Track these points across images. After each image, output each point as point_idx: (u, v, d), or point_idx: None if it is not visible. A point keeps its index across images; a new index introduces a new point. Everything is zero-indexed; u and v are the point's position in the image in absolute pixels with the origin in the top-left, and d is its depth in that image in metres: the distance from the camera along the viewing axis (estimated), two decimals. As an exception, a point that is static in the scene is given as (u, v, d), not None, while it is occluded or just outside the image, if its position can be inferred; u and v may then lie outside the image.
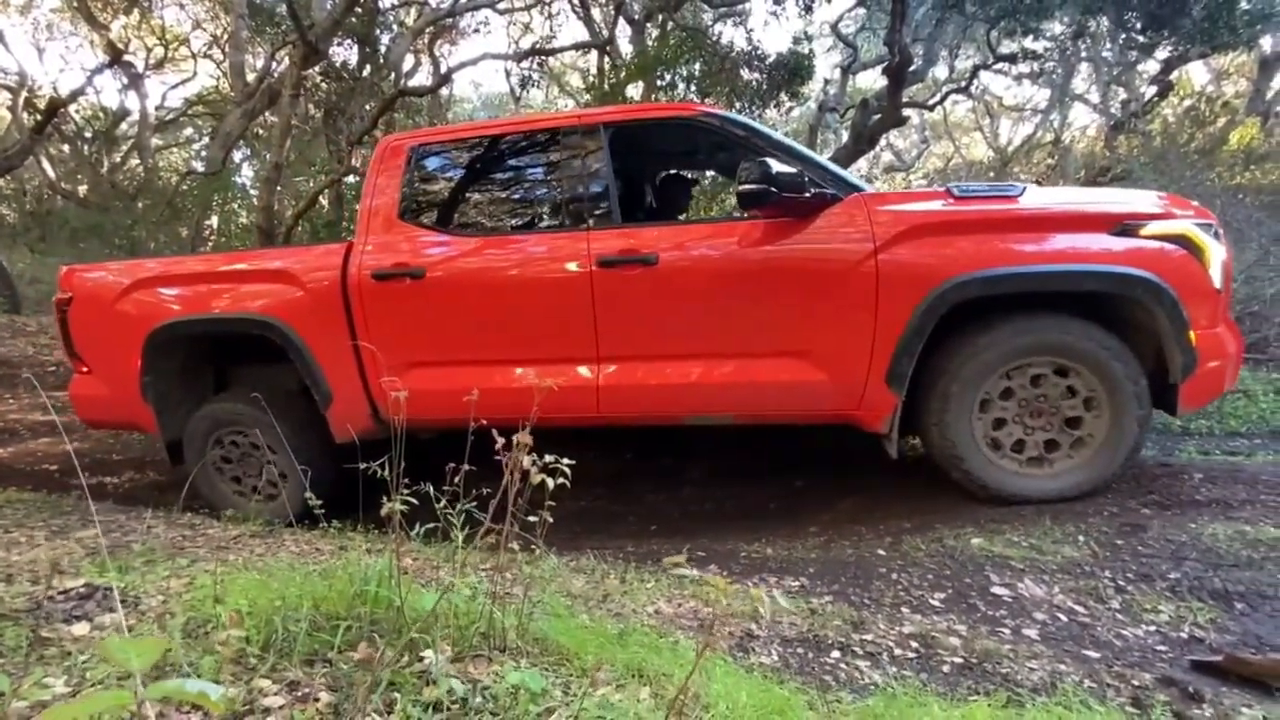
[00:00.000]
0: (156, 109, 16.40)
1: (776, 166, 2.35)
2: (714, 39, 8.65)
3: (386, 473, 1.37)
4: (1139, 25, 7.74)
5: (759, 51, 6.55)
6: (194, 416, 3.17)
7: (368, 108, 9.96)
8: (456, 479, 1.35)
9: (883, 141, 19.08)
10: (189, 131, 18.33)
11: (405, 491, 1.39)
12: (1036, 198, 2.50)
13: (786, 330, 2.55)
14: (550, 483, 1.30)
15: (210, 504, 3.14)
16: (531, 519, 1.43)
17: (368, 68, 10.67)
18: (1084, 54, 12.81)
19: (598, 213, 2.74)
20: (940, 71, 14.57)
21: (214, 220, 13.47)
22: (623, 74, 8.15)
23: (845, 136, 10.99)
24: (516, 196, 3.03)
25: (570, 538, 3.35)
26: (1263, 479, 2.51)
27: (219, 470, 3.20)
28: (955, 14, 8.11)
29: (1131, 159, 7.79)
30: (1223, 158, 9.70)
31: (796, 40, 7.40)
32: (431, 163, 3.05)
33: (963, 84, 11.83)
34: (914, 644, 1.68)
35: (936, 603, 1.88)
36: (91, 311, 3.18)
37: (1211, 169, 7.10)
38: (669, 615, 1.85)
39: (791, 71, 6.67)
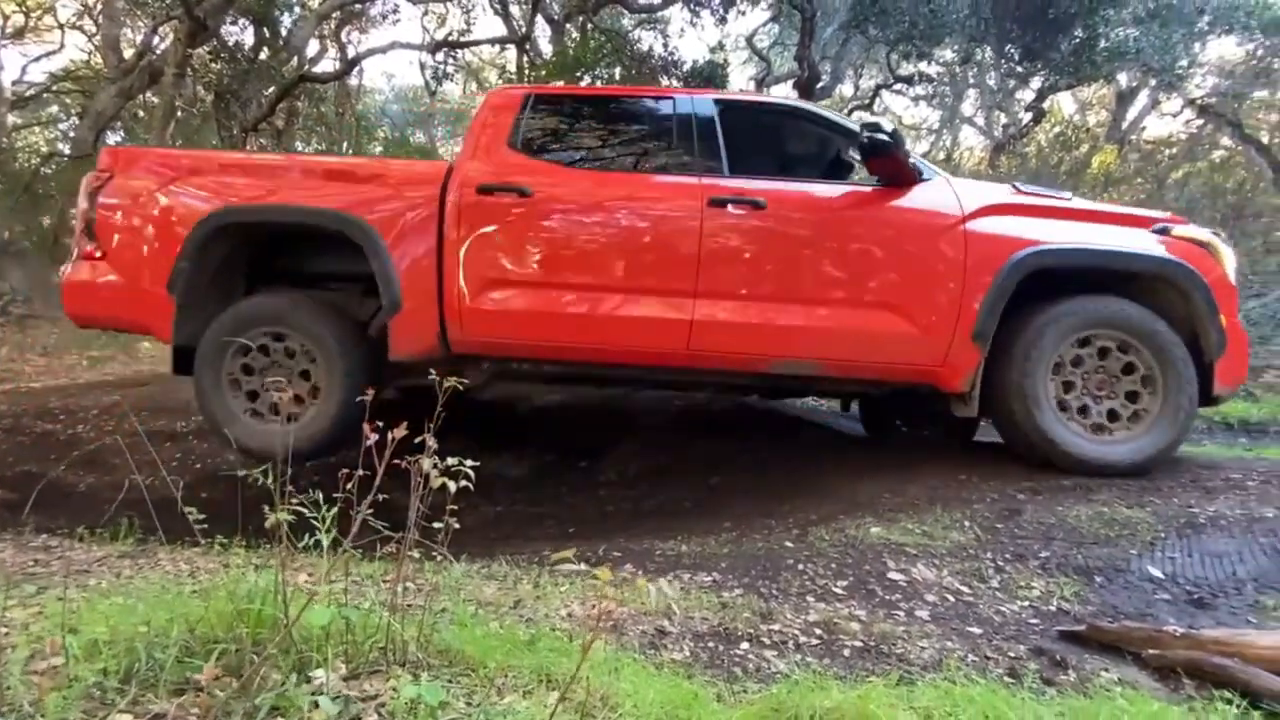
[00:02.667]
0: (14, 83, 14.57)
1: (892, 131, 2.62)
2: (633, 44, 8.72)
3: (271, 481, 1.27)
4: (1017, 56, 8.51)
5: (675, 58, 6.66)
6: (221, 316, 2.89)
7: (266, 93, 9.31)
8: (349, 484, 1.27)
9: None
10: (54, 109, 16.40)
11: (296, 500, 1.29)
12: (1083, 201, 2.99)
13: (881, 284, 2.73)
14: (452, 486, 1.25)
15: (213, 424, 2.91)
16: (437, 525, 1.37)
17: (265, 50, 9.97)
18: (971, 80, 13.95)
19: (709, 165, 2.88)
20: (848, 89, 15.42)
21: (83, 209, 12.11)
22: (542, 73, 8.05)
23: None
24: (627, 144, 3.14)
25: (486, 544, 3.25)
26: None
27: (235, 384, 2.93)
28: (859, 35, 8.59)
29: (1011, 178, 8.56)
30: (1087, 179, 10.85)
31: (712, 49, 7.59)
32: (545, 108, 3.09)
33: (866, 101, 12.54)
34: (818, 631, 1.74)
35: (839, 590, 1.96)
36: (132, 191, 2.95)
37: (1077, 190, 7.92)
38: (582, 618, 1.82)
39: (706, 79, 6.83)
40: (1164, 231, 2.79)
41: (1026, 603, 1.87)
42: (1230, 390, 2.78)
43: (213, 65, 9.24)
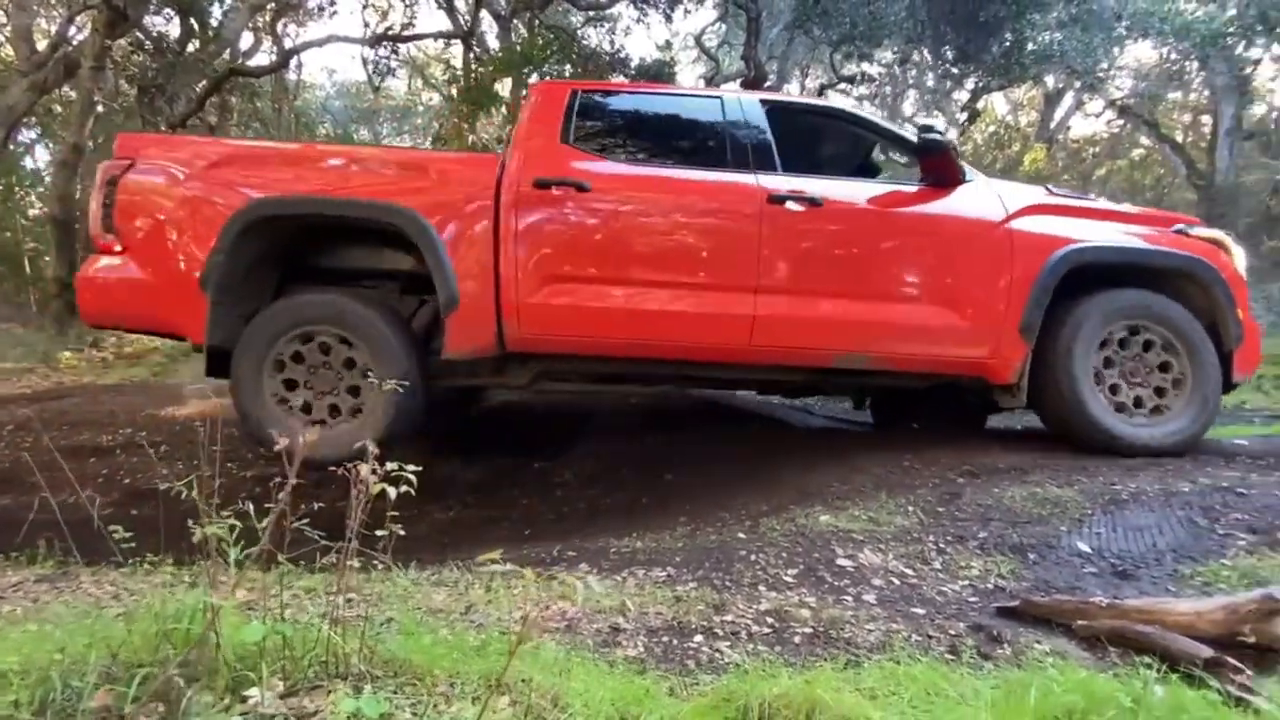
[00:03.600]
0: (-92, 74, 13.42)
1: (945, 132, 2.80)
2: (582, 41, 8.68)
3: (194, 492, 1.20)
4: (951, 58, 8.86)
5: (622, 55, 6.66)
6: (267, 314, 2.72)
7: (197, 87, 8.86)
8: (281, 495, 1.22)
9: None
10: (-44, 104, 15.21)
11: (228, 513, 1.23)
12: (1107, 202, 3.27)
13: (934, 279, 2.84)
14: (392, 493, 1.21)
15: (255, 429, 2.70)
16: (381, 533, 1.33)
17: (195, 42, 9.49)
18: (911, 80, 14.44)
19: (763, 162, 2.90)
20: (794, 88, 15.72)
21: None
22: (489, 69, 7.93)
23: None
24: (677, 141, 3.14)
25: (439, 549, 3.17)
26: (1049, 448, 2.96)
27: (278, 385, 2.76)
28: (803, 35, 8.77)
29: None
30: (1019, 176, 11.37)
31: (660, 48, 7.62)
32: (594, 103, 3.06)
33: (812, 100, 12.83)
34: (770, 620, 1.77)
35: (790, 579, 2.00)
36: (158, 182, 2.76)
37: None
38: (535, 619, 1.80)
39: (654, 77, 6.86)
40: (1183, 231, 3.02)
41: (966, 582, 1.94)
42: (1245, 378, 3.00)
43: (134, 57, 8.73)
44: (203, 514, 1.16)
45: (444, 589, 2.03)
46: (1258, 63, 10.60)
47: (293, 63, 13.41)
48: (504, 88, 9.36)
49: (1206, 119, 13.15)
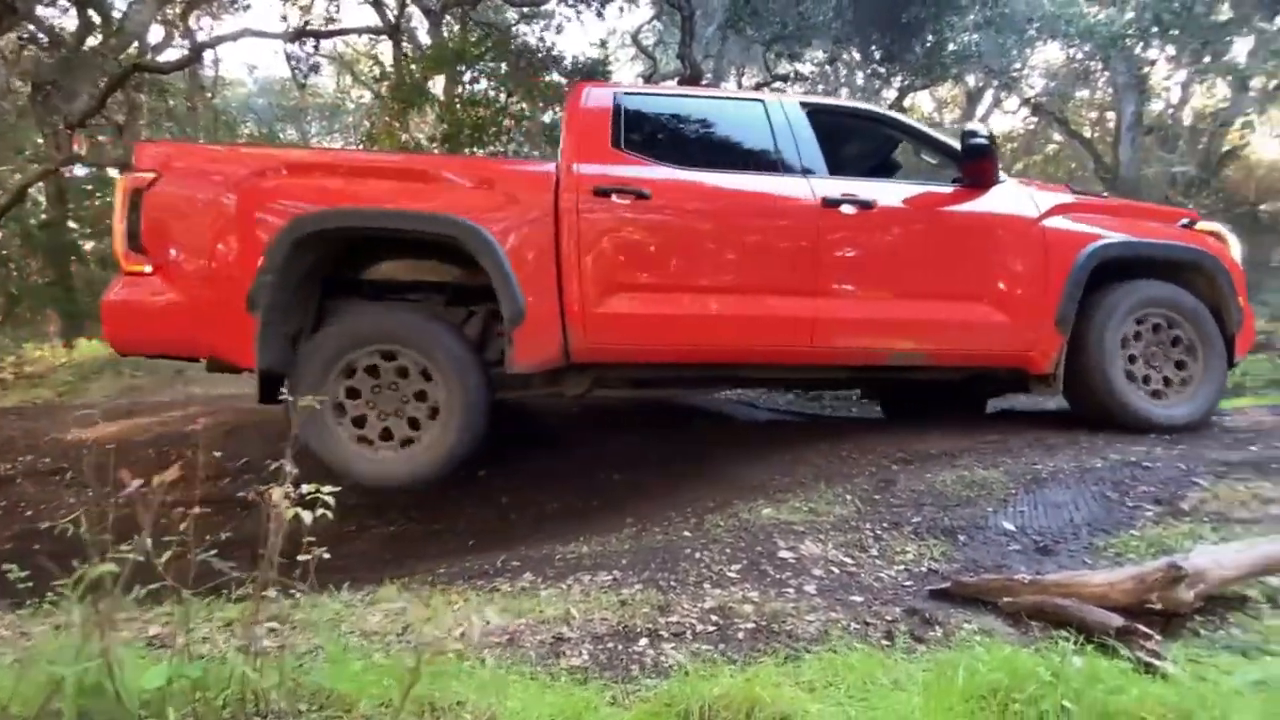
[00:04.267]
0: None
1: (990, 136, 2.98)
2: (515, 38, 8.53)
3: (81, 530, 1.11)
4: (878, 57, 9.18)
5: (555, 53, 6.61)
6: (328, 334, 2.61)
7: (100, 84, 8.22)
8: (185, 525, 1.14)
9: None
10: None
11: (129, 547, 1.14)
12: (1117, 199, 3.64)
13: (980, 277, 2.98)
14: (307, 517, 1.14)
15: (319, 455, 2.55)
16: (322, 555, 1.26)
17: (98, 36, 8.83)
18: (842, 79, 14.85)
19: (811, 165, 2.96)
20: (731, 86, 15.94)
21: None
22: (420, 66, 7.71)
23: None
24: (726, 145, 3.13)
25: (378, 567, 3.06)
26: (978, 431, 3.10)
27: (339, 408, 2.64)
28: (736, 35, 8.89)
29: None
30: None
31: (595, 44, 7.58)
32: (640, 108, 3.05)
33: (749, 98, 13.04)
34: (714, 617, 1.77)
35: (733, 574, 2.01)
36: (191, 195, 2.61)
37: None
38: (479, 635, 1.75)
39: (587, 75, 6.83)
40: (1188, 225, 3.27)
41: (902, 567, 2.00)
42: (1242, 357, 3.28)
43: (25, 53, 8.05)
44: (95, 548, 1.06)
45: (380, 610, 1.95)
46: (1154, 63, 11.41)
47: (209, 58, 12.68)
48: (436, 85, 9.12)
49: (1111, 115, 14.08)
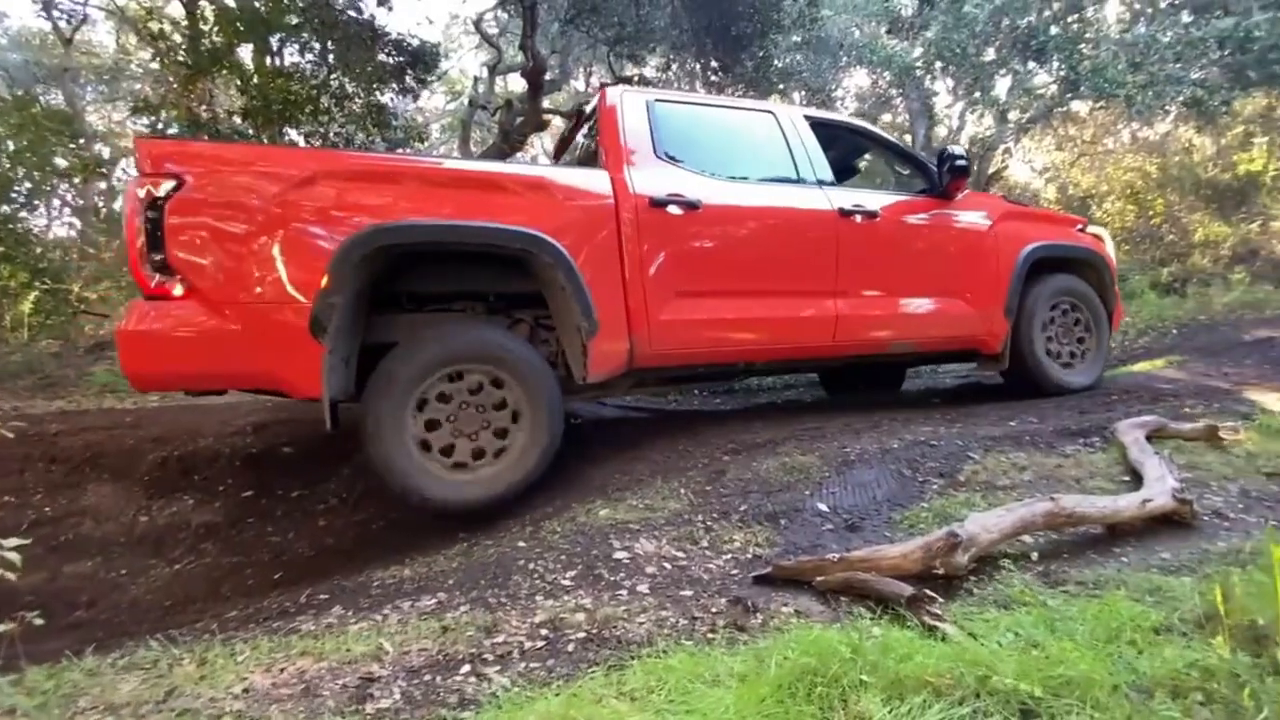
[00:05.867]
0: None
1: (966, 155, 3.52)
2: (338, 12, 7.74)
3: None
4: (715, 67, 9.64)
5: (380, 29, 6.09)
6: (414, 353, 2.50)
7: None
8: None
9: (538, 145, 20.00)
10: None
11: None
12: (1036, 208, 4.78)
13: (954, 275, 3.55)
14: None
15: (396, 479, 2.48)
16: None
17: None
18: (685, 86, 15.48)
19: (823, 176, 3.34)
20: (580, 85, 15.90)
21: None
22: (217, 29, 6.69)
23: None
24: (749, 154, 3.32)
25: (158, 616, 2.61)
26: (798, 421, 3.32)
27: (422, 437, 2.53)
28: (577, 32, 8.86)
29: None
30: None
31: (420, 24, 7.05)
32: (671, 116, 3.15)
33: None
34: (544, 631, 1.69)
35: (568, 582, 1.94)
36: (227, 204, 2.33)
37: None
38: (264, 689, 1.50)
39: (415, 56, 6.38)
40: (1083, 230, 4.09)
41: (729, 555, 2.05)
42: (1116, 330, 4.22)
43: None
44: None
45: (138, 672, 1.61)
46: (938, 94, 13.26)
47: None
48: (246, 54, 8.01)
49: (909, 137, 16.17)
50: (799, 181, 3.30)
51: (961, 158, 3.53)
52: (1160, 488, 2.13)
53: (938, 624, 1.50)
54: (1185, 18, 9.74)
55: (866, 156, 4.71)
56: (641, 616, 1.71)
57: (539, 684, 1.41)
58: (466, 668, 1.55)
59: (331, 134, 6.30)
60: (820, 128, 3.55)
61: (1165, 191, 10.56)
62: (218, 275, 2.32)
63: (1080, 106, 11.54)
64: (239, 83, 6.05)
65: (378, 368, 2.51)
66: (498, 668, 1.55)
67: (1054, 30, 9.61)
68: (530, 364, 2.64)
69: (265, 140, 6.57)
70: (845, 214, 3.26)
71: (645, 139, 3.00)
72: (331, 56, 6.72)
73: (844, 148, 4.04)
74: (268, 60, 8.22)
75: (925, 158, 3.96)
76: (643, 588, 1.89)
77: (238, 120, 6.58)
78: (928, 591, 1.66)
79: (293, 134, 6.53)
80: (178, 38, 6.80)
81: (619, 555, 2.07)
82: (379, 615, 1.85)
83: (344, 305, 2.40)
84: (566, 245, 2.64)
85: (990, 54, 10.14)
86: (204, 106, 6.95)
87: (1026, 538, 1.98)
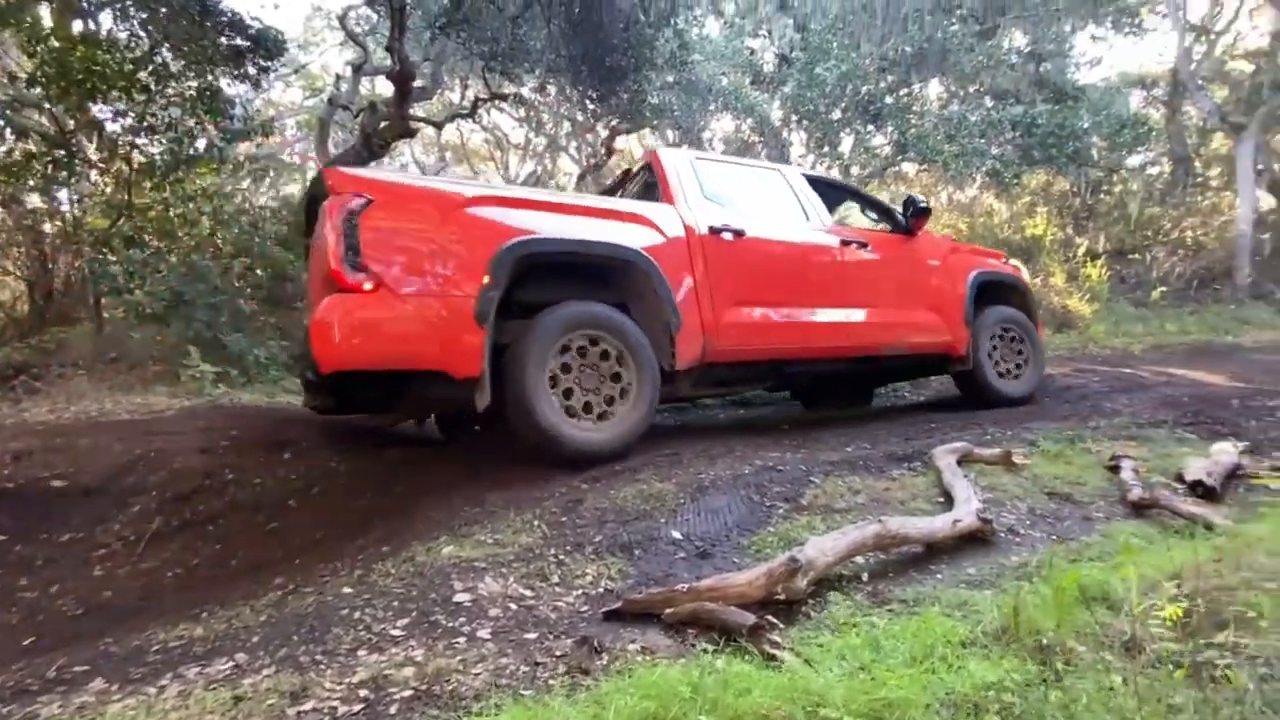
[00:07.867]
0: None
1: (927, 201, 4.56)
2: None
3: None
4: (592, 95, 9.78)
5: (211, 4, 5.43)
6: (546, 320, 3.03)
7: None
8: None
9: (406, 153, 18.99)
10: None
11: None
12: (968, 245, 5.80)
13: (926, 293, 4.41)
14: None
15: (539, 430, 2.92)
16: None
17: None
18: (563, 111, 15.55)
19: (823, 218, 4.26)
20: (454, 98, 15.39)
21: None
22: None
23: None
24: (769, 199, 4.15)
25: None
26: (655, 447, 3.33)
27: (552, 382, 3.01)
28: (449, 41, 8.59)
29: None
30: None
31: (265, 6, 6.42)
32: (708, 168, 4.00)
33: (467, 111, 12.70)
34: (363, 692, 1.48)
35: (398, 632, 1.74)
36: (407, 219, 2.90)
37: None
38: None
39: (256, 41, 5.78)
40: (1006, 261, 5.14)
41: (580, 591, 1.97)
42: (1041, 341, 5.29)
43: None
44: None
45: None
46: (793, 144, 14.51)
47: None
48: (45, 11, 6.80)
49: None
50: (807, 220, 4.17)
51: (923, 202, 4.45)
52: (967, 509, 2.36)
53: (776, 652, 1.52)
54: (988, 102, 11.53)
55: (841, 207, 5.82)
56: (479, 666, 1.56)
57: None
58: (260, 746, 1.32)
59: (148, 116, 5.48)
60: (812, 181, 4.47)
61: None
62: (400, 274, 2.79)
63: (909, 168, 13.14)
64: (27, 44, 5.10)
65: (525, 324, 3.02)
66: (301, 741, 1.33)
67: (889, 99, 10.92)
68: (639, 337, 3.24)
69: (65, 111, 5.58)
70: (845, 243, 4.15)
71: (694, 184, 3.80)
72: (152, 29, 5.88)
73: (828, 199, 4.79)
74: (77, 25, 7.09)
75: (889, 204, 5.03)
76: (484, 633, 1.74)
77: (27, 88, 5.54)
78: (769, 618, 1.69)
79: (98, 110, 5.61)
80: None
81: (460, 597, 1.91)
82: (152, 688, 1.53)
83: (498, 300, 2.90)
84: (660, 260, 3.37)
85: (837, 114, 11.26)
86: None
87: (859, 559, 2.10)
